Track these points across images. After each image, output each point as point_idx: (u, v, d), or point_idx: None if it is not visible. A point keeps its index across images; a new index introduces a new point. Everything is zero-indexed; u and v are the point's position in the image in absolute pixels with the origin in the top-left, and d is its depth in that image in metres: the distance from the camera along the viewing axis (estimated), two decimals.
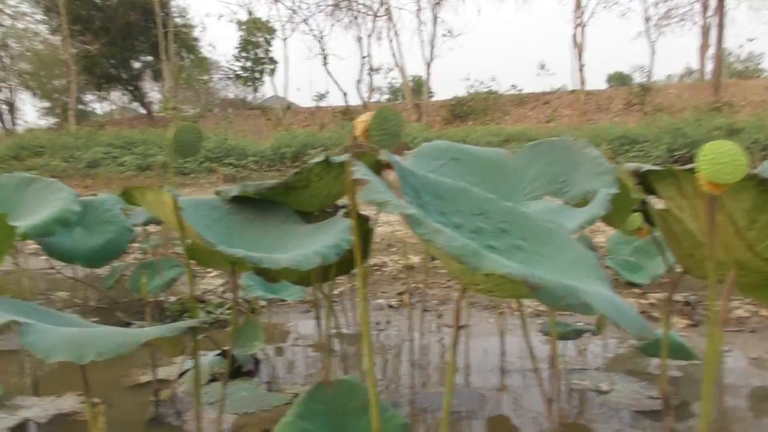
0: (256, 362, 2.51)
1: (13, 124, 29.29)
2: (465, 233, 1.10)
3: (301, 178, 1.61)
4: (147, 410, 2.13)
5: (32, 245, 4.43)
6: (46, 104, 30.48)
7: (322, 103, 29.66)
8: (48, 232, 2.35)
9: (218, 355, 2.45)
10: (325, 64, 28.10)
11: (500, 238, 1.16)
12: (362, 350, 1.94)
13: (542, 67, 36.98)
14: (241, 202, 1.68)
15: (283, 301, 2.91)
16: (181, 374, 2.28)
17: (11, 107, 29.76)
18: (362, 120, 0.92)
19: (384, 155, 1.08)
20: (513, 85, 27.89)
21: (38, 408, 2.08)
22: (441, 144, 1.86)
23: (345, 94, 26.77)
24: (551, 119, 21.88)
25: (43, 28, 27.80)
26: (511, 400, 2.11)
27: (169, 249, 4.96)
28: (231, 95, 33.10)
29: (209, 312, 3.37)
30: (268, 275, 1.74)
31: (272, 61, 29.69)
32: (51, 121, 29.57)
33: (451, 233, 0.78)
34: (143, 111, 30.16)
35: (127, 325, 3.23)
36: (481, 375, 2.35)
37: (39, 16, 27.37)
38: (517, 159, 1.87)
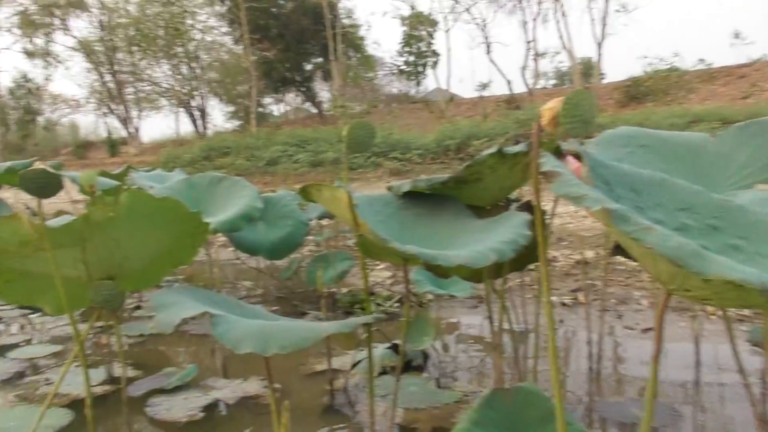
0: (425, 357, 2.50)
1: (204, 128, 32.72)
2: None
3: (473, 171, 1.54)
4: (322, 398, 2.21)
5: (221, 238, 4.87)
6: (231, 109, 33.57)
7: (485, 93, 29.17)
8: (235, 227, 2.53)
9: (388, 348, 2.47)
10: (488, 52, 27.70)
11: (711, 237, 1.00)
12: (536, 351, 1.82)
13: (736, 36, 32.79)
14: (412, 197, 1.66)
15: (452, 296, 2.86)
16: (354, 365, 2.33)
17: (203, 113, 33.26)
18: (550, 107, 0.82)
19: (570, 145, 0.97)
20: (701, 59, 24.94)
21: (227, 390, 2.25)
22: (627, 130, 1.67)
23: (509, 82, 26.15)
24: (748, 95, 19.29)
25: (227, 40, 30.73)
26: (712, 419, 1.86)
27: (340, 242, 5.17)
28: (395, 90, 33.92)
29: (378, 305, 3.44)
30: (439, 271, 1.69)
31: (435, 53, 29.91)
32: (235, 123, 32.52)
33: (665, 231, 0.67)
34: (314, 110, 32.07)
35: (303, 314, 3.41)
36: (673, 387, 2.11)
37: (224, 29, 30.29)
38: (720, 143, 1.63)
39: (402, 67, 31.16)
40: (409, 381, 2.22)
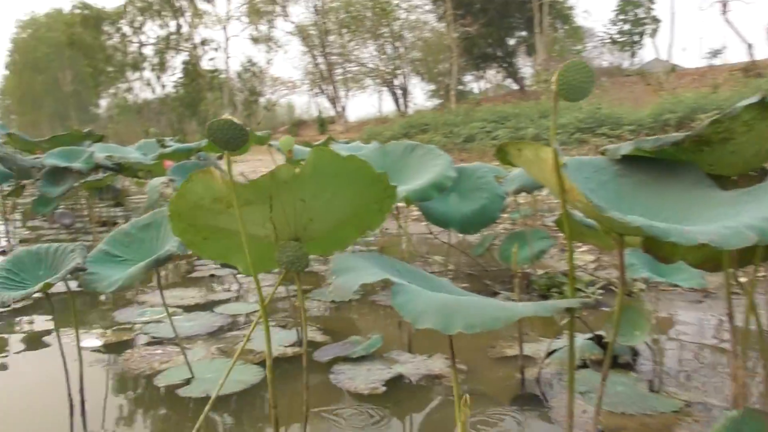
0: (634, 354, 2.16)
1: (405, 106, 33.66)
2: None
3: (719, 128, 1.21)
4: (511, 386, 2.01)
5: (415, 212, 4.85)
6: (432, 87, 34.08)
7: (715, 61, 25.64)
8: (426, 196, 2.41)
9: (589, 339, 2.18)
10: (724, 12, 24.19)
11: None
12: None
13: None
14: (633, 162, 1.37)
15: (675, 286, 2.46)
16: (549, 353, 2.09)
17: (404, 92, 34.23)
18: None
19: None
20: None
21: (411, 365, 2.16)
22: None
23: (749, 46, 22.63)
24: None
25: (430, 17, 31.07)
26: None
27: (537, 220, 4.86)
28: (605, 63, 31.58)
29: (578, 290, 3.12)
30: (661, 253, 1.38)
31: (654, 20, 27.13)
32: (435, 102, 32.96)
33: None
34: (516, 87, 31.18)
35: (495, 294, 3.21)
36: None
37: (428, 7, 30.65)
38: None
39: (615, 37, 28.82)
40: (615, 379, 1.92)
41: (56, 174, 4.83)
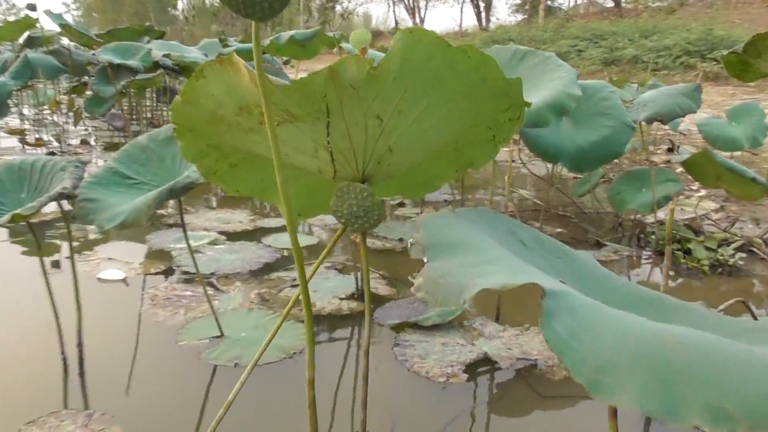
0: None
1: (488, 21, 31.57)
2: None
3: None
4: None
5: None
6: (517, 1, 31.72)
7: None
8: (540, 120, 1.80)
9: None
10: None
11: None
12: None
13: None
14: None
15: None
16: None
17: (487, 5, 31.99)
18: None
19: None
20: None
21: (499, 342, 1.64)
22: None
23: None
24: None
25: None
26: None
27: (654, 157, 4.14)
28: None
29: (710, 250, 2.48)
30: None
31: None
32: (519, 18, 30.79)
33: None
34: (610, 4, 28.52)
35: (598, 245, 2.62)
36: None
37: None
38: None
39: None
40: None
41: (110, 71, 4.43)
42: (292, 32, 4.01)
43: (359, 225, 0.96)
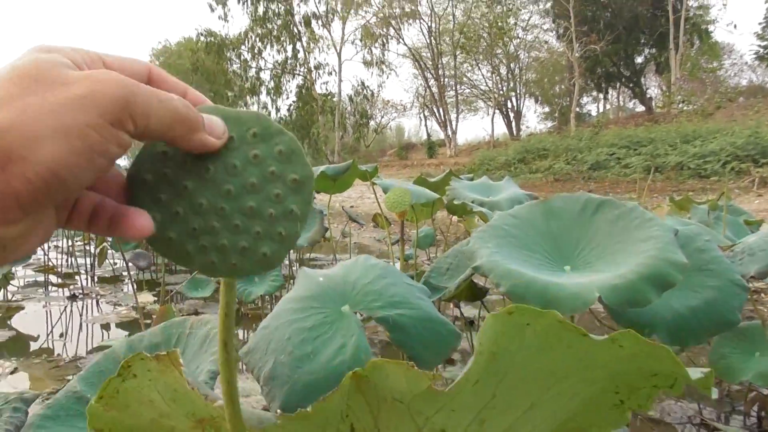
0: None
1: (519, 130, 32.06)
2: None
3: None
4: None
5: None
6: (546, 110, 32.36)
7: None
8: (637, 298, 1.37)
9: None
10: None
11: None
12: None
13: None
14: None
15: None
16: None
17: (517, 114, 32.64)
18: None
19: None
20: None
21: None
22: None
23: None
24: None
25: (549, 37, 29.51)
26: None
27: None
28: (744, 81, 28.51)
29: None
30: None
31: None
32: (548, 125, 31.26)
33: None
34: (641, 108, 28.74)
35: (706, 427, 2.08)
36: None
37: (546, 26, 29.14)
38: None
39: (761, 53, 25.77)
40: None
41: None
42: (323, 167, 3.78)
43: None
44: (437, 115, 32.12)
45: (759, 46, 26.03)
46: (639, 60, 27.61)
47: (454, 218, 4.34)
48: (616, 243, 1.57)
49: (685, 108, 20.53)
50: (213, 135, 0.42)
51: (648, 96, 28.39)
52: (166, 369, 0.48)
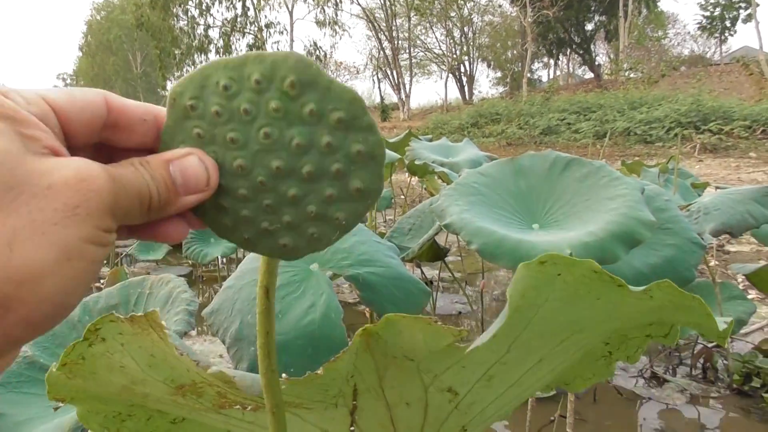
0: None
1: (471, 94, 32.18)
2: None
3: None
4: None
5: None
6: (498, 74, 32.55)
7: None
8: (606, 255, 1.37)
9: None
10: None
11: None
12: None
13: None
14: None
15: None
16: None
17: (470, 79, 32.70)
18: None
19: None
20: None
21: None
22: None
23: None
24: None
25: (503, 0, 29.49)
26: None
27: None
28: (685, 52, 29.31)
29: None
30: None
31: (751, 2, 24.74)
32: (500, 90, 31.51)
33: None
34: (589, 75, 29.24)
35: (656, 379, 2.16)
36: None
37: None
38: None
39: (702, 24, 26.49)
40: None
41: None
42: None
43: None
44: (391, 78, 31.82)
45: (702, 16, 26.75)
46: (589, 27, 27.95)
47: (413, 180, 4.31)
48: (584, 201, 1.57)
49: (632, 75, 20.98)
50: (190, 191, 0.35)
51: (597, 63, 28.87)
52: (142, 332, 0.42)
